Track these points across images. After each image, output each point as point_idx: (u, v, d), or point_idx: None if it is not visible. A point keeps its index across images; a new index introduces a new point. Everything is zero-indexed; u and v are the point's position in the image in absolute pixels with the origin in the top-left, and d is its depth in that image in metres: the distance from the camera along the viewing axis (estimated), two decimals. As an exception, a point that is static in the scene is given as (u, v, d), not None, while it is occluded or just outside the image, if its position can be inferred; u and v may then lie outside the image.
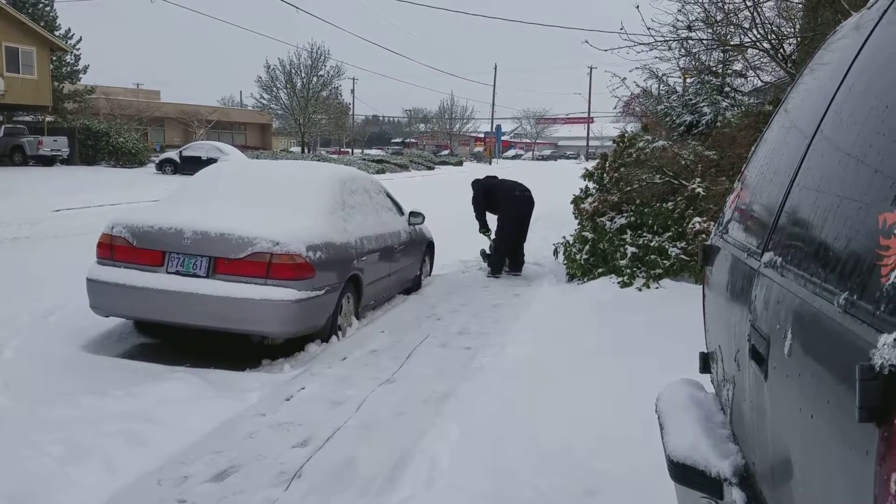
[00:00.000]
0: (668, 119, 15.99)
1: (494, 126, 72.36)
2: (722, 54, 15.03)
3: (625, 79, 16.67)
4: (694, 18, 14.37)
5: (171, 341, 6.16)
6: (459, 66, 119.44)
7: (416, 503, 3.28)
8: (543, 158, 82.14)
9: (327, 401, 4.68)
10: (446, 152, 69.72)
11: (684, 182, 8.52)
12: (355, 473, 3.62)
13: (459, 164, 54.88)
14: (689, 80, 15.92)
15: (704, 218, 7.42)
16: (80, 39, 36.18)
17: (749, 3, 11.07)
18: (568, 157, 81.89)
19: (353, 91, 71.99)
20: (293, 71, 45.84)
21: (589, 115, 78.91)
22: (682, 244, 7.62)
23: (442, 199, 18.85)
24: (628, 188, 8.66)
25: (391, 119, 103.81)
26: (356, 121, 74.95)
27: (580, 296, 7.27)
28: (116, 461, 3.72)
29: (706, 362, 2.57)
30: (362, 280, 6.43)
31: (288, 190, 6.23)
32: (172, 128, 46.84)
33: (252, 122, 54.38)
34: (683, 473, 1.93)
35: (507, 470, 3.57)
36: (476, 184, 10.06)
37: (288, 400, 4.70)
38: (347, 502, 3.34)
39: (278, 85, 46.51)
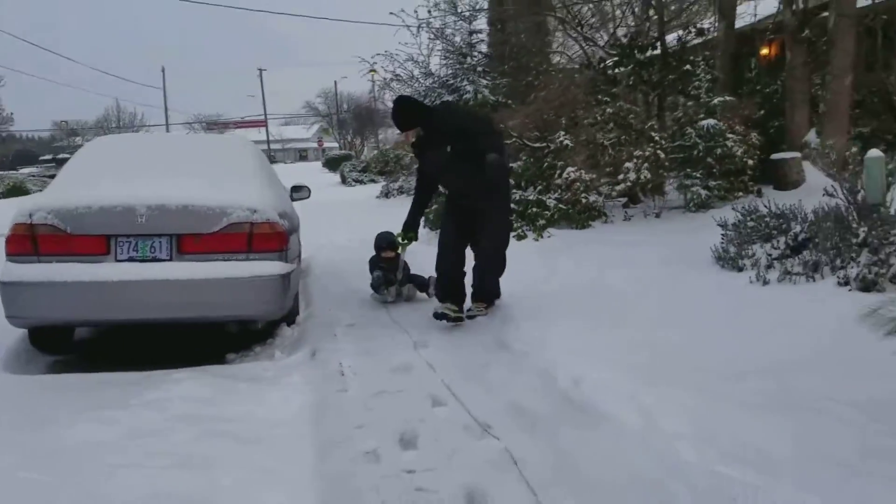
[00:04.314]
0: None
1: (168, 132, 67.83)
2: (469, 35, 16.15)
3: (375, 63, 17.05)
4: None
5: (84, 355, 5.02)
6: (125, 70, 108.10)
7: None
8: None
9: (387, 369, 4.18)
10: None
11: (528, 143, 9.05)
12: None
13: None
14: (441, 62, 16.73)
15: (576, 167, 7.98)
16: None
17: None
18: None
19: (-11, 103, 61.88)
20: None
21: (265, 116, 78.00)
22: (556, 195, 8.10)
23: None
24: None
25: (31, 136, 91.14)
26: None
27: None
28: (264, 462, 2.99)
29: None
30: (301, 254, 5.80)
31: (213, 160, 5.35)
32: None
33: None
34: None
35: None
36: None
37: (342, 375, 4.11)
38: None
39: None
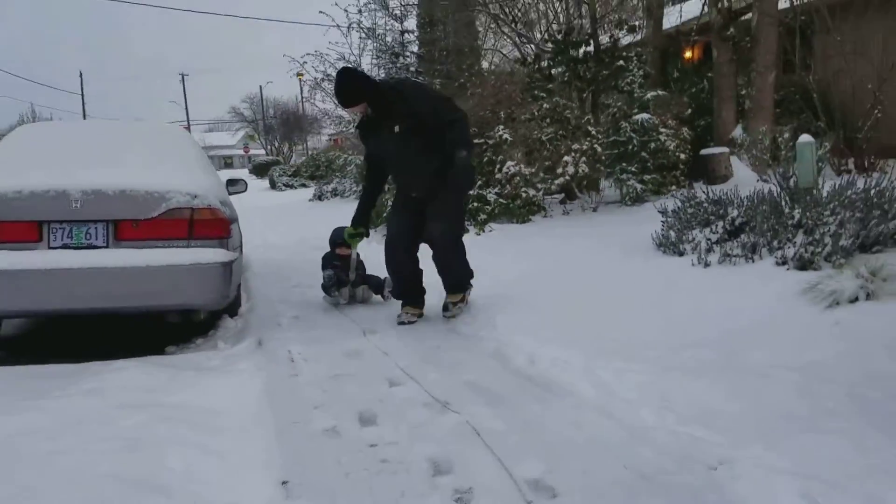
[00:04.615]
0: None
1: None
2: (401, 35, 16.15)
3: (305, 63, 16.85)
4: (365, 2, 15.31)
5: (13, 350, 4.76)
6: (41, 75, 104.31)
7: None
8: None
9: (338, 354, 4.09)
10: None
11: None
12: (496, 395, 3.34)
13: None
14: (373, 62, 16.62)
15: (515, 161, 8.05)
16: None
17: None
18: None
19: None
20: None
21: (188, 122, 76.00)
22: (496, 190, 8.14)
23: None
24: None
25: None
26: None
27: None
28: (216, 444, 2.87)
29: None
30: (243, 245, 5.65)
31: (150, 146, 5.15)
32: None
33: None
34: None
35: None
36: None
37: (292, 361, 4.01)
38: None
39: None
